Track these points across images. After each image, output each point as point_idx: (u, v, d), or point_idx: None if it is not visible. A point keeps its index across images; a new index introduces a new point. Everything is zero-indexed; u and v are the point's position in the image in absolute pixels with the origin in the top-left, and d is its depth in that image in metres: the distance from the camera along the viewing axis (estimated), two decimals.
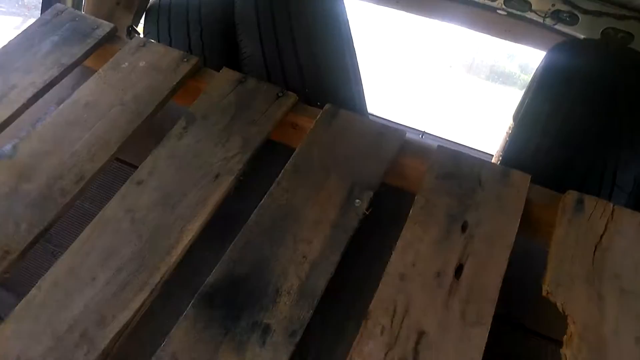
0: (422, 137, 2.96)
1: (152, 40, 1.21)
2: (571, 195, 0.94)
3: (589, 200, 0.94)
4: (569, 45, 1.36)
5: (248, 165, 0.98)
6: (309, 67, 1.40)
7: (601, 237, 0.88)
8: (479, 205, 0.92)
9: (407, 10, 2.77)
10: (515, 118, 1.41)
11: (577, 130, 1.21)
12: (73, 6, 1.52)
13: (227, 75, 1.13)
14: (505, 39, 2.54)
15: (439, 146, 1.03)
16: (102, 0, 1.56)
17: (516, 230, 0.88)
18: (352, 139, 1.03)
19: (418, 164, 1.02)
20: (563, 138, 1.22)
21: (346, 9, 2.01)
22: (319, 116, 1.05)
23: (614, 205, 0.94)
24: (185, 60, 1.14)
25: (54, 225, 0.89)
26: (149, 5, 1.64)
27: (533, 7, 2.14)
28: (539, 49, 2.40)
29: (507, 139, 1.40)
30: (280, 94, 1.09)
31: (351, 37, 2.15)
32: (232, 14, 1.48)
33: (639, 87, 1.21)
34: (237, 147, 0.99)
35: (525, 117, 1.37)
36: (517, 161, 1.35)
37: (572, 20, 2.10)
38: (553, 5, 2.10)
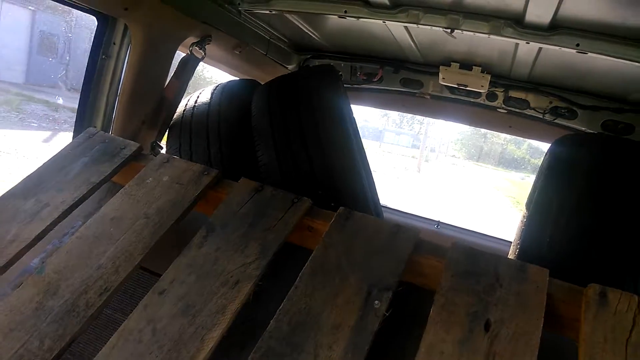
0: (437, 227, 2.96)
1: (175, 157, 1.31)
2: (593, 289, 0.93)
3: (613, 293, 0.92)
4: (570, 139, 1.42)
5: (266, 270, 1.00)
6: (322, 171, 1.47)
7: (631, 332, 0.85)
8: (499, 302, 0.91)
9: (413, 112, 2.94)
10: (527, 207, 1.43)
11: (585, 224, 1.22)
12: (102, 127, 1.67)
13: (245, 185, 1.19)
14: (509, 133, 2.65)
15: (453, 243, 1.04)
16: (128, 121, 1.70)
17: (541, 328, 0.86)
18: (366, 240, 1.06)
19: (435, 261, 1.03)
20: (574, 230, 1.23)
21: (350, 106, 2.17)
22: (333, 219, 1.09)
23: (639, 298, 0.92)
24: (206, 173, 1.22)
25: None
26: (172, 121, 1.79)
27: (532, 105, 2.26)
28: (543, 141, 2.49)
29: (523, 227, 1.41)
30: (295, 200, 1.14)
31: (358, 133, 2.28)
32: (249, 127, 1.61)
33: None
34: (255, 254, 1.01)
35: (537, 208, 1.39)
36: (534, 252, 1.35)
37: (571, 115, 2.21)
38: (551, 102, 2.22)
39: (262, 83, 1.75)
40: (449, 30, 1.54)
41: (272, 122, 1.54)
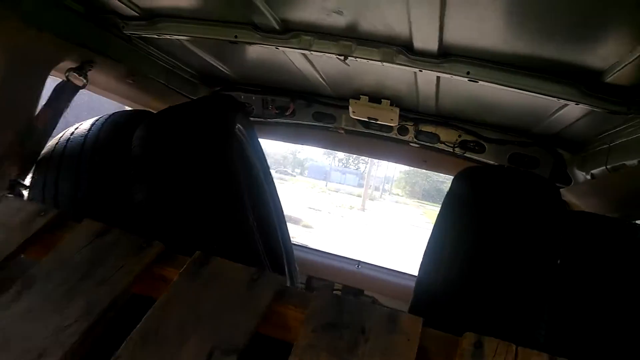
0: (358, 267, 2.86)
1: (10, 195, 1.11)
2: (468, 339, 0.82)
3: (489, 343, 0.82)
4: (460, 173, 1.36)
5: (92, 334, 0.82)
6: (198, 210, 1.32)
7: None
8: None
9: (329, 148, 2.88)
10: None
11: (464, 257, 1.15)
12: None
13: (86, 228, 1.01)
14: (425, 168, 2.63)
15: (318, 291, 0.91)
16: None
17: None
18: (221, 290, 0.90)
19: (297, 312, 0.89)
20: (456, 265, 1.15)
21: (254, 139, 2.04)
22: (184, 266, 0.93)
23: (517, 347, 0.81)
24: (42, 214, 1.03)
25: None
26: (40, 156, 1.57)
27: (442, 139, 2.24)
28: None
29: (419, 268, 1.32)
30: (144, 245, 0.97)
31: (262, 169, 2.15)
32: (126, 161, 1.44)
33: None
34: (77, 314, 0.83)
35: (429, 244, 1.31)
36: (427, 294, 1.25)
37: (480, 149, 2.21)
38: (460, 136, 2.22)
39: None
40: (342, 58, 1.48)
41: (150, 155, 1.38)
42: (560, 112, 1.59)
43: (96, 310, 0.84)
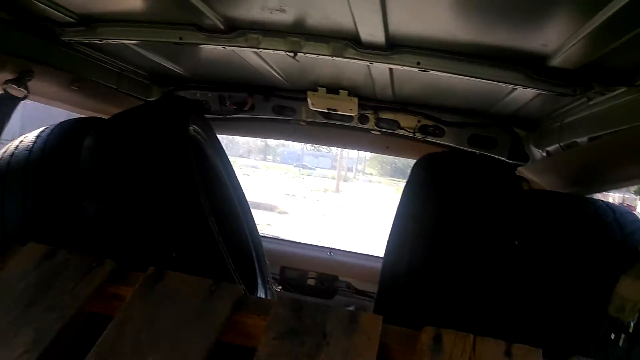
0: (330, 254, 2.88)
1: None
2: (427, 333, 0.83)
3: (447, 336, 0.83)
4: (419, 162, 1.37)
5: None
6: (155, 217, 1.28)
7: None
8: None
9: (293, 140, 2.86)
10: None
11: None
12: None
13: (31, 252, 0.97)
14: (388, 154, 2.64)
15: (278, 297, 0.90)
16: None
17: None
18: (178, 305, 0.88)
19: (259, 320, 0.88)
20: (425, 255, 1.17)
21: (213, 139, 2.00)
22: (138, 284, 0.91)
23: (475, 337, 0.83)
24: None
25: None
26: None
27: (402, 125, 2.25)
28: None
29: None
30: (94, 264, 0.94)
31: (224, 168, 2.11)
32: (75, 174, 1.38)
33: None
34: (25, 344, 0.79)
35: (393, 232, 1.32)
36: (392, 276, 1.26)
37: (440, 132, 2.22)
38: (419, 121, 2.22)
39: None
40: (292, 54, 1.45)
41: (100, 167, 1.33)
42: (513, 94, 1.61)
43: (46, 339, 0.81)
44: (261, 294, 1.89)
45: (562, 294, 1.19)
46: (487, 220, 1.21)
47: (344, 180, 31.90)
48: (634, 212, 1.32)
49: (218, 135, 2.05)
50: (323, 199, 21.36)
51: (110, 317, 0.87)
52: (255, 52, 1.64)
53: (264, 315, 0.87)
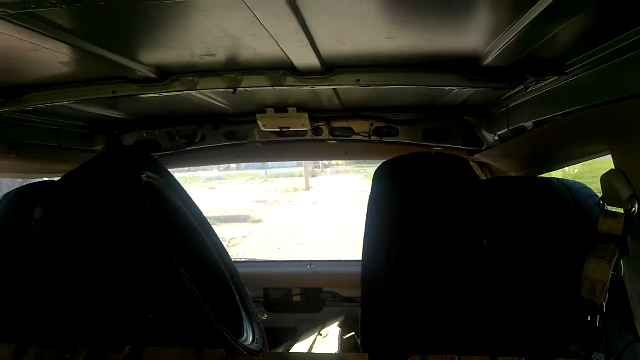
0: (310, 267, 2.90)
1: None
2: None
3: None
4: (377, 174, 1.41)
5: None
6: (127, 282, 1.25)
7: None
8: None
9: (252, 161, 2.83)
10: None
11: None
12: None
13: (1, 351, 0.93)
14: (348, 159, 2.66)
15: (263, 354, 0.90)
16: None
17: None
18: None
19: None
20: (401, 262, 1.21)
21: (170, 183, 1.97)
22: None
23: (459, 357, 0.85)
24: None
25: None
26: None
27: (356, 131, 2.27)
28: (381, 159, 2.53)
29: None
30: (67, 355, 0.91)
31: (187, 209, 2.08)
32: (29, 247, 1.33)
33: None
34: None
35: (366, 240, 1.36)
36: (374, 288, 1.28)
37: (394, 132, 2.25)
38: (372, 124, 2.25)
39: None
40: (231, 90, 1.44)
41: (52, 240, 1.29)
42: (456, 89, 1.64)
43: None
44: (248, 330, 1.87)
45: (534, 285, 1.21)
46: (452, 222, 1.24)
47: (312, 176, 31.90)
48: (589, 187, 1.37)
49: (173, 170, 2.01)
50: (295, 199, 21.30)
51: None
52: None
53: None
